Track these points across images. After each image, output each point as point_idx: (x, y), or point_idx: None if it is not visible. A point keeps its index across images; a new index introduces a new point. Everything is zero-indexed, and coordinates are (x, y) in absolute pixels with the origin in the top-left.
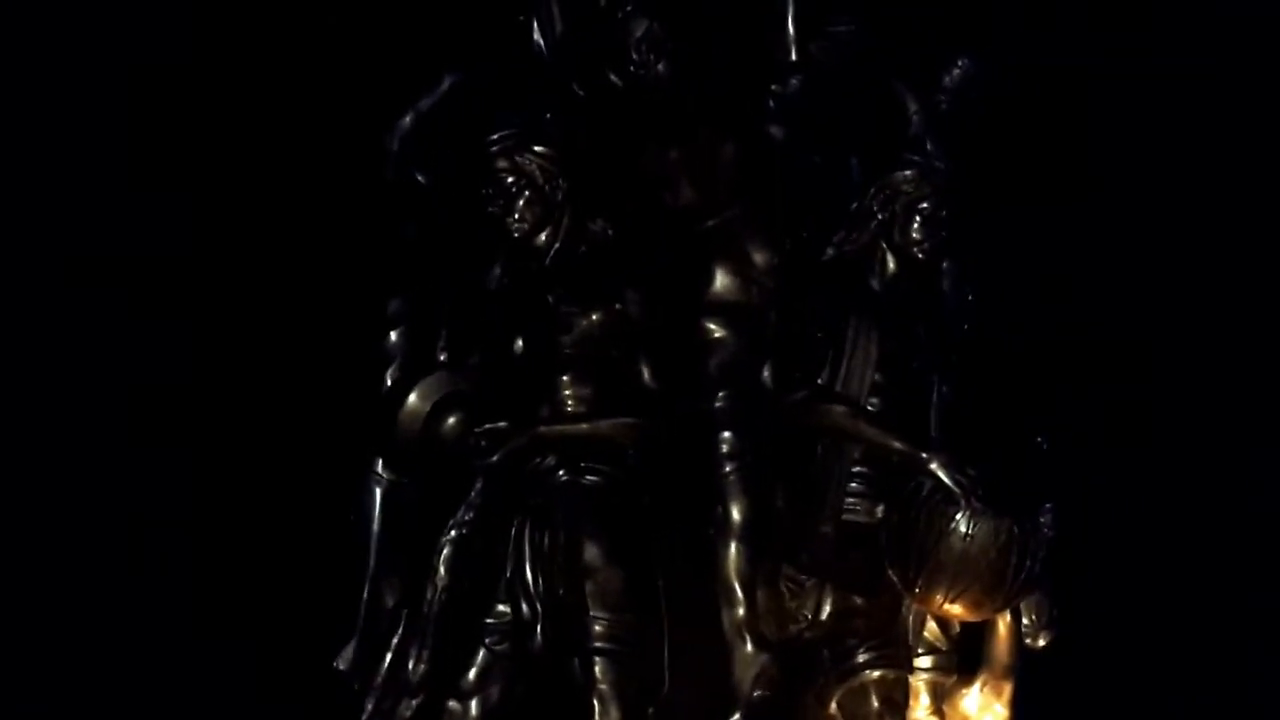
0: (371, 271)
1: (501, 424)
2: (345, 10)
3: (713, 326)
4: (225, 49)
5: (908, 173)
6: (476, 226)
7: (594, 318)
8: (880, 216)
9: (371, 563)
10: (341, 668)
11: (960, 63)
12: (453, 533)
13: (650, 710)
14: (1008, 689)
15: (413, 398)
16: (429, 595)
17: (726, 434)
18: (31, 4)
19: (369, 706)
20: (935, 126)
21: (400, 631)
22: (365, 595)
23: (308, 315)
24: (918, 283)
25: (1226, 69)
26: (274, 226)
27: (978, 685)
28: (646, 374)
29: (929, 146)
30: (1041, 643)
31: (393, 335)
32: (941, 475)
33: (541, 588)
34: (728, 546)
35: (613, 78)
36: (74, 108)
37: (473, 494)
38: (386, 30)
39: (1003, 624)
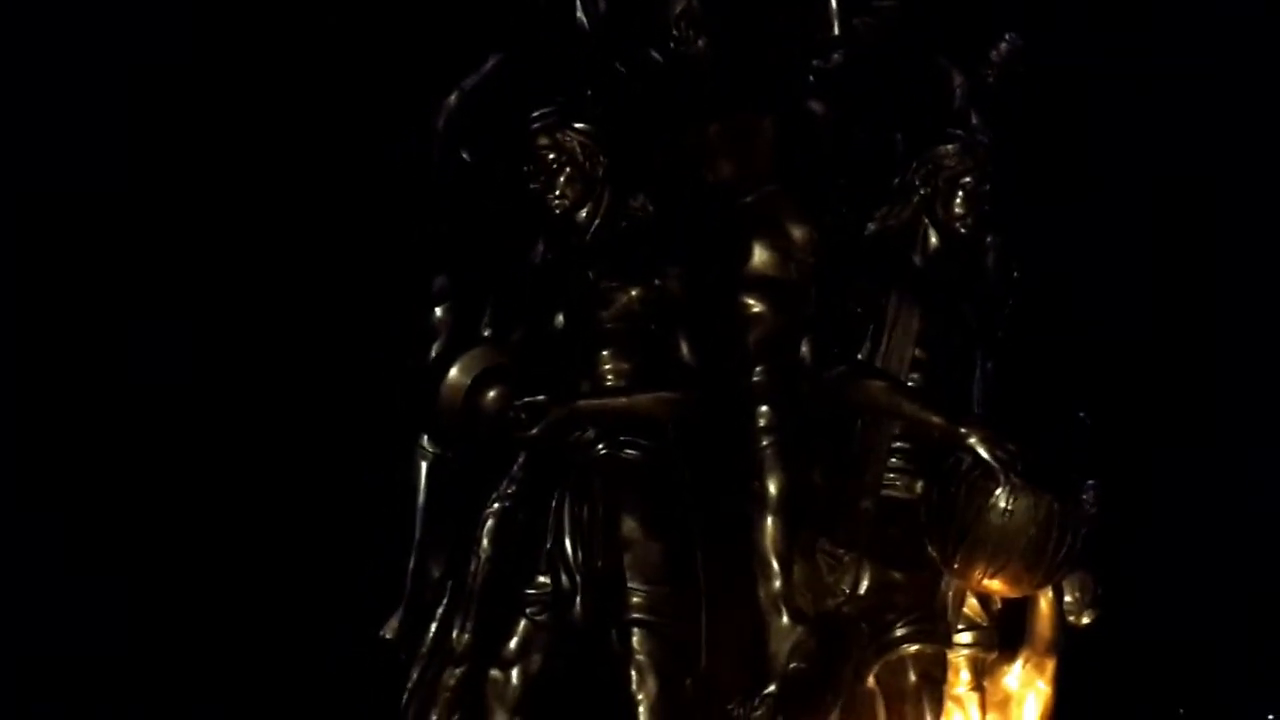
0: (408, 252)
1: (541, 398)
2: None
3: (751, 301)
4: (240, 40)
5: (951, 147)
6: (518, 203)
7: (633, 293)
8: (923, 191)
9: (417, 534)
10: (388, 637)
11: (1008, 37)
12: (495, 505)
13: (687, 681)
14: (1050, 666)
15: (454, 372)
16: (473, 567)
17: (763, 408)
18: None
19: (414, 675)
20: (980, 101)
21: (445, 602)
22: (411, 566)
23: (337, 299)
24: (961, 258)
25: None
26: (306, 211)
27: (1020, 661)
28: (685, 349)
29: (973, 121)
30: (1085, 621)
31: (437, 311)
32: (980, 451)
33: (581, 559)
34: (764, 520)
35: (654, 55)
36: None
37: (515, 467)
38: (420, 11)
39: (1044, 601)
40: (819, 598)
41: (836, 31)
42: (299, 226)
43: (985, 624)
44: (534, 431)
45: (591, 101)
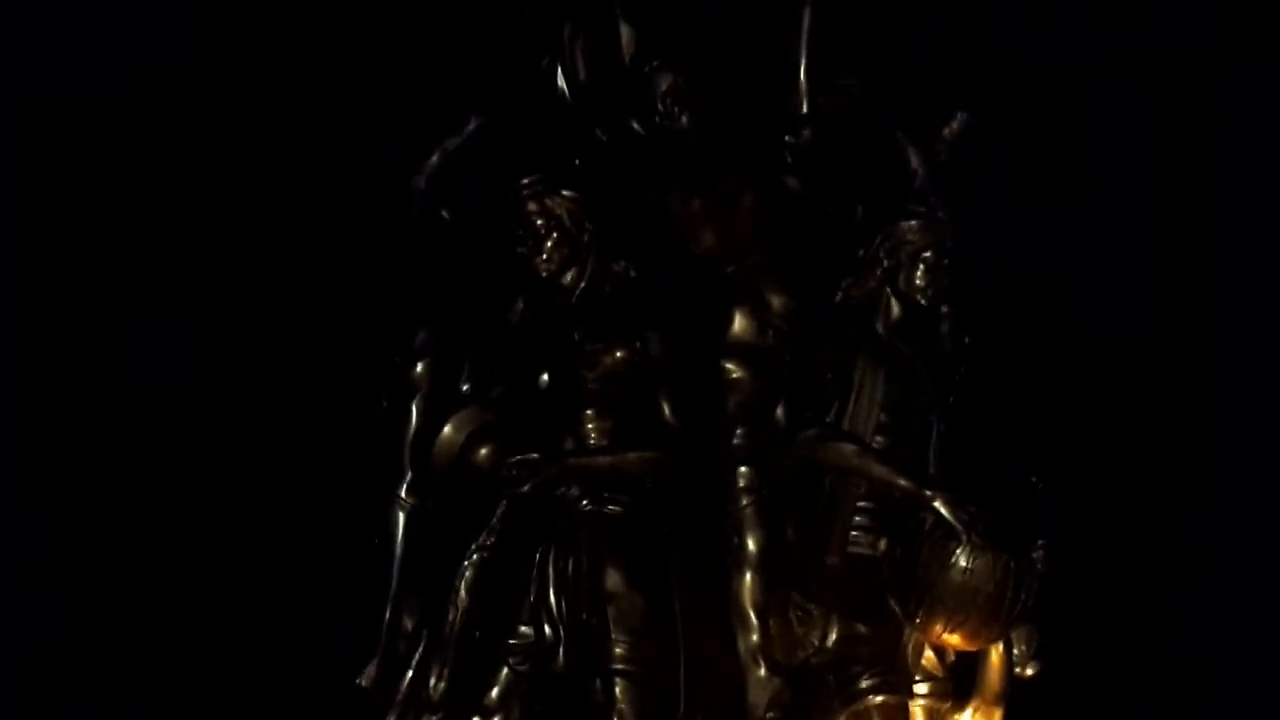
0: (385, 298)
1: (533, 455)
2: (354, 23)
3: (731, 367)
4: (237, 52)
5: (913, 223)
6: (496, 263)
7: (617, 355)
8: (886, 263)
9: (394, 584)
10: (364, 684)
11: (958, 116)
12: (474, 556)
13: None
14: (998, 715)
15: (447, 429)
16: (450, 616)
17: (744, 469)
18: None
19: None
20: (937, 177)
21: (421, 650)
22: (388, 615)
23: (314, 337)
24: (921, 327)
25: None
26: (288, 247)
27: (969, 711)
28: (667, 410)
29: (931, 197)
30: (1030, 671)
31: (418, 366)
32: (944, 512)
33: (565, 611)
34: (743, 575)
35: (635, 126)
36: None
37: (494, 519)
38: (403, 58)
39: (995, 653)
40: (791, 650)
41: (805, 109)
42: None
43: (940, 675)
44: (525, 488)
45: (578, 169)
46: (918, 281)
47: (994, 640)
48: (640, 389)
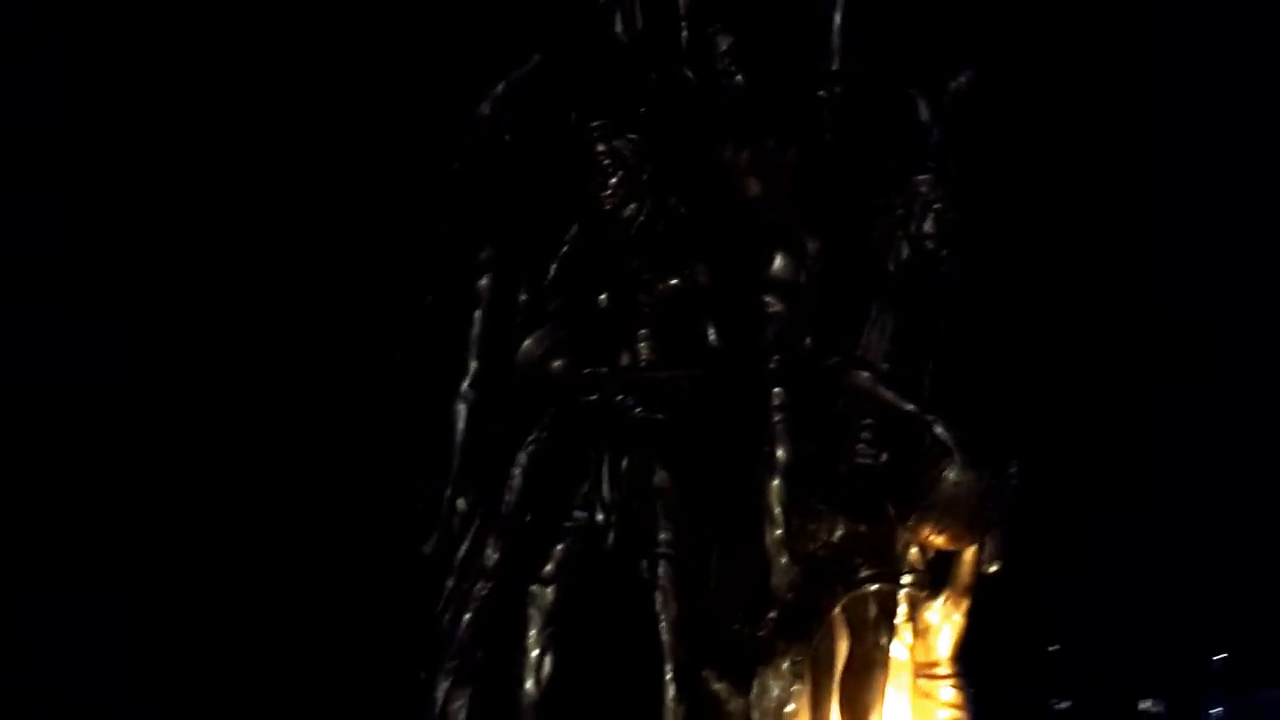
0: (447, 221)
1: (602, 369)
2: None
3: (770, 300)
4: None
5: (926, 176)
6: (554, 188)
7: (670, 282)
8: (900, 211)
9: (455, 467)
10: (427, 551)
11: (965, 73)
12: (530, 447)
13: (697, 604)
14: (965, 604)
15: (528, 342)
16: (506, 497)
17: (778, 389)
18: None
19: (449, 585)
20: (947, 132)
21: (476, 525)
22: (448, 493)
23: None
24: (925, 268)
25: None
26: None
27: (941, 599)
28: (712, 334)
29: (944, 152)
30: (993, 569)
31: (483, 279)
32: (941, 433)
33: (616, 501)
34: (773, 479)
35: (689, 75)
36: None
37: (546, 418)
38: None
39: (968, 553)
40: (804, 543)
41: (836, 65)
42: (334, 205)
43: (921, 569)
44: (594, 396)
45: (642, 115)
46: (927, 229)
47: (971, 543)
48: (688, 314)
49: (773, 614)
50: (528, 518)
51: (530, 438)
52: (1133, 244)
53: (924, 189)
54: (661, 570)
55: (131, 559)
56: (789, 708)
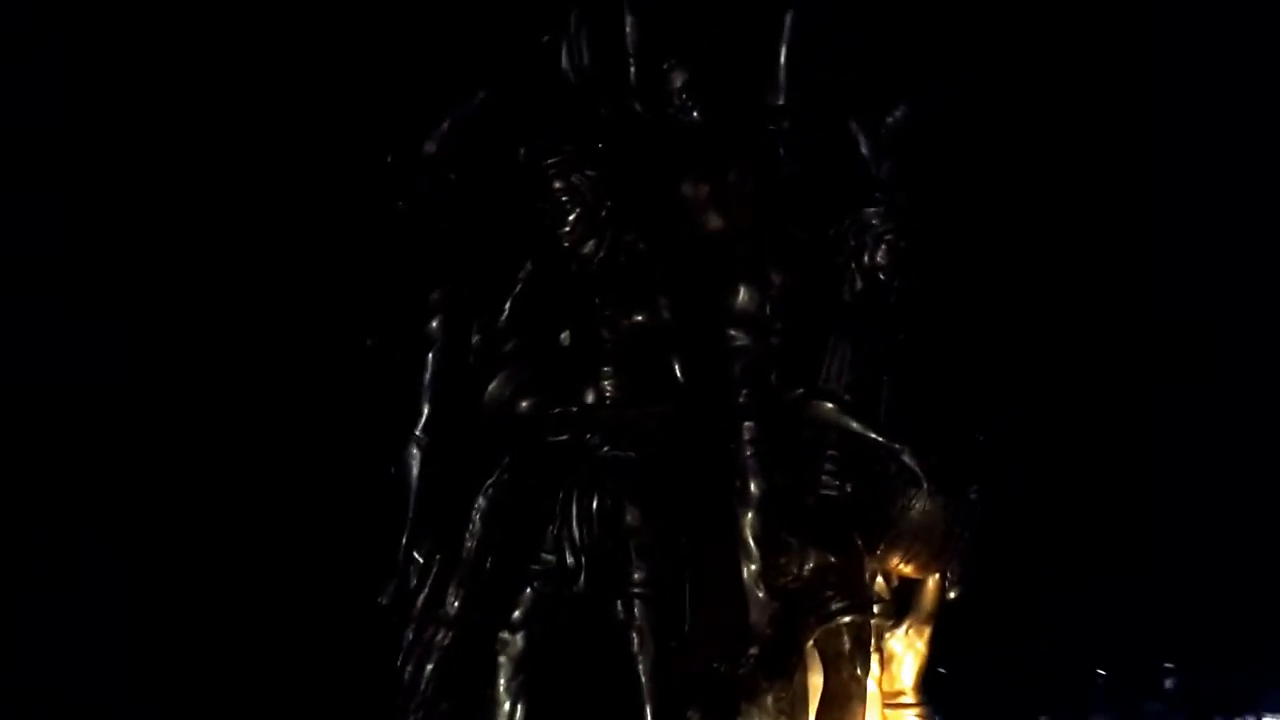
0: (398, 261)
1: (573, 409)
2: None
3: (735, 334)
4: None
5: (876, 209)
6: (504, 225)
7: (633, 319)
8: (852, 243)
9: (411, 512)
10: (384, 602)
11: (900, 106)
12: (489, 490)
13: (673, 644)
14: (928, 632)
15: (494, 384)
16: (466, 542)
17: (748, 423)
18: None
19: (409, 636)
20: (893, 162)
21: (435, 572)
22: (405, 540)
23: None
24: (878, 298)
25: None
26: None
27: (904, 628)
28: (678, 369)
29: (894, 183)
30: (953, 595)
31: (433, 321)
32: (909, 462)
33: (587, 542)
34: (747, 514)
35: (639, 110)
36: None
37: (505, 459)
38: (411, 43)
39: (932, 580)
40: (775, 577)
41: (783, 100)
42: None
43: (887, 597)
44: (564, 435)
45: (600, 151)
46: (880, 260)
47: (938, 570)
48: (653, 350)
49: (753, 650)
50: (489, 563)
51: (489, 480)
52: (1126, 253)
53: (874, 220)
54: (637, 610)
55: (132, 560)
56: None
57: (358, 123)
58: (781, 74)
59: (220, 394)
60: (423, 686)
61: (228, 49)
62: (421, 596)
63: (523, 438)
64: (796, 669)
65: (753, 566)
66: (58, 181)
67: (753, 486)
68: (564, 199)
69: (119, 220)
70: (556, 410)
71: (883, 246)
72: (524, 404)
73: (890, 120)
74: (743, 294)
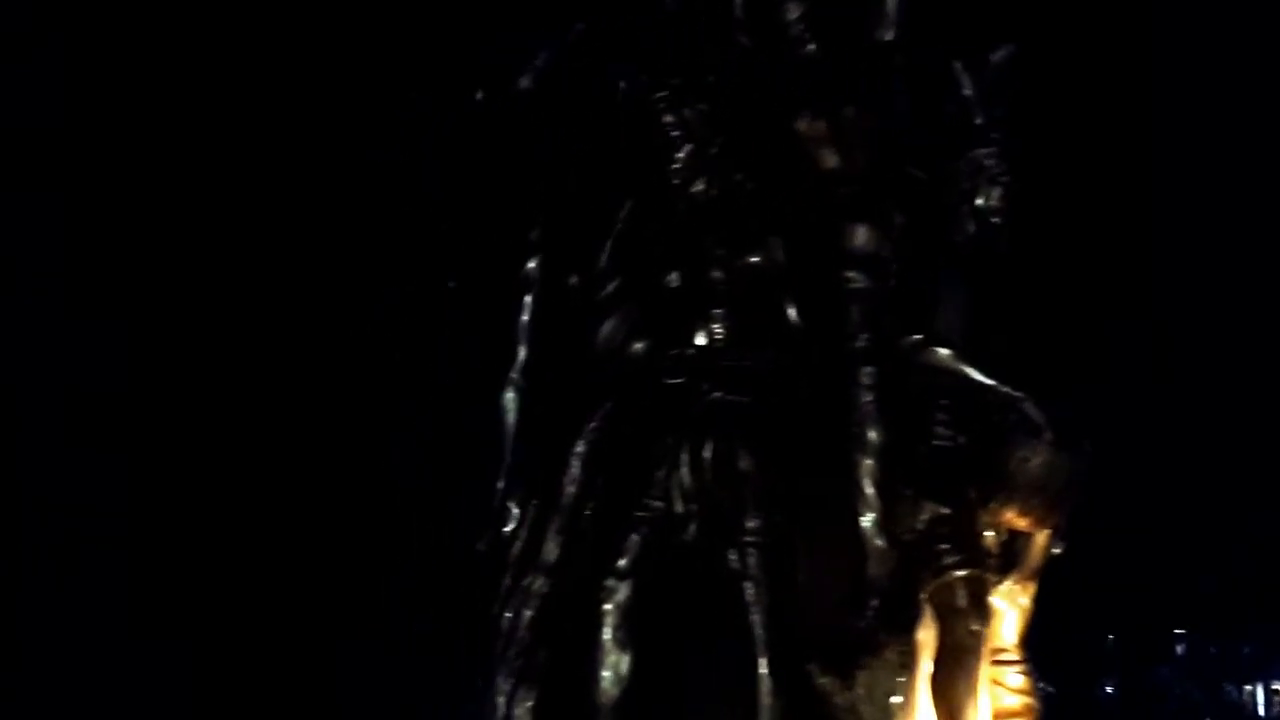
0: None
1: (689, 351)
2: None
3: (854, 275)
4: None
5: (990, 149)
6: (601, 164)
7: (746, 260)
8: (965, 186)
9: (507, 458)
10: (481, 549)
11: (1003, 50)
12: (589, 435)
13: (790, 595)
14: (1032, 588)
15: (607, 326)
16: (566, 488)
17: (868, 368)
18: None
19: (506, 582)
20: (999, 104)
21: (531, 518)
22: (502, 486)
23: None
24: (991, 242)
25: None
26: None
27: (1008, 583)
28: (792, 313)
29: (1005, 126)
30: (1056, 550)
31: (531, 262)
32: (1031, 413)
33: (697, 488)
34: (866, 462)
35: (745, 44)
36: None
37: (607, 404)
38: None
39: (1041, 535)
40: (893, 528)
41: (893, 35)
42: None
43: (995, 551)
44: (680, 379)
45: (712, 83)
46: (993, 203)
47: (1051, 524)
48: (765, 292)
49: (874, 603)
50: (588, 509)
51: (591, 425)
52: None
53: (989, 162)
54: (751, 560)
55: (134, 562)
56: (896, 699)
57: (438, 63)
58: (891, 7)
59: (285, 343)
60: (520, 634)
61: (239, 39)
62: (519, 544)
63: (634, 381)
64: (917, 623)
65: (872, 515)
66: (58, 181)
67: (872, 434)
68: (675, 134)
69: (119, 220)
70: (674, 353)
71: (997, 189)
72: (637, 346)
73: (998, 60)
74: (862, 234)
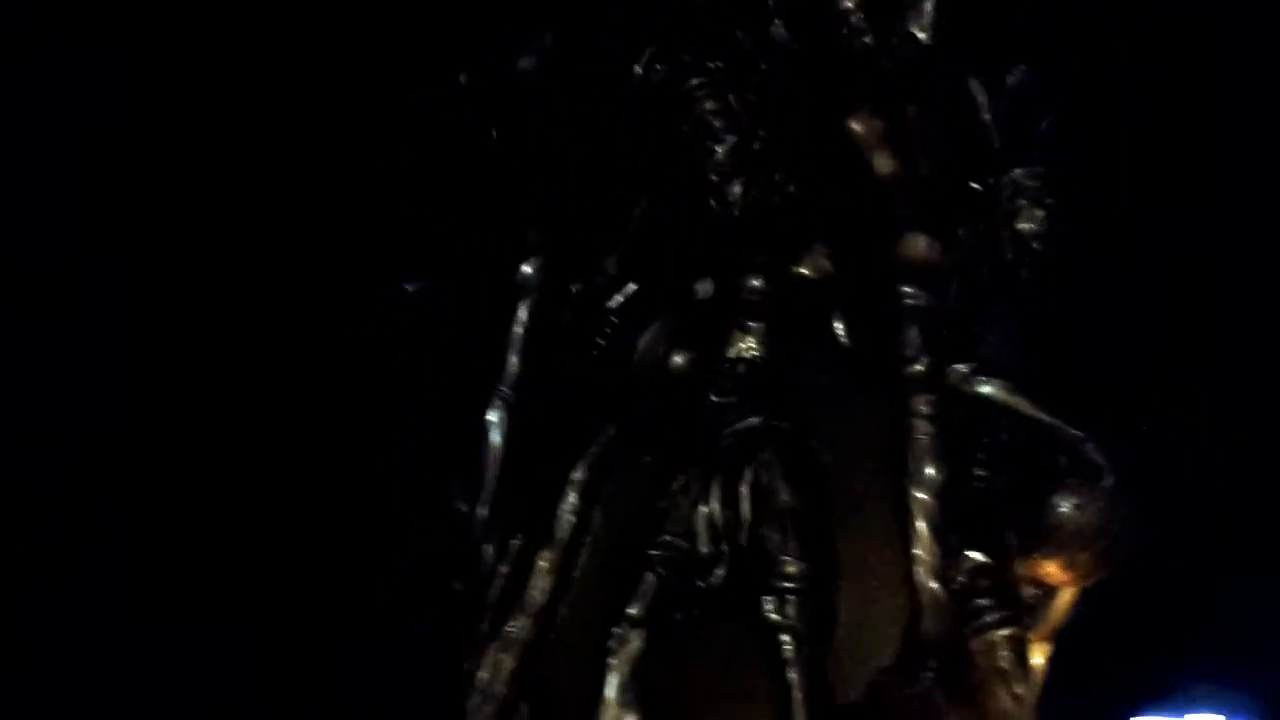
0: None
1: (740, 366)
2: None
3: (912, 291)
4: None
5: (1033, 169)
6: (613, 156)
7: (789, 269)
8: (1008, 206)
9: (491, 484)
10: (459, 588)
11: (1018, 68)
12: (592, 460)
13: (829, 646)
14: (1049, 649)
15: (646, 337)
16: (560, 519)
17: (927, 396)
18: None
19: (484, 626)
20: (1056, 119)
21: (518, 552)
22: (484, 515)
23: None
24: (1033, 267)
25: None
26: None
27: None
28: (841, 329)
29: (1052, 144)
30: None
31: (527, 267)
32: (1089, 455)
33: (730, 526)
34: (923, 497)
35: (783, 32)
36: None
37: (609, 427)
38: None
39: (1069, 591)
40: (946, 575)
41: (930, 39)
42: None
43: (1031, 607)
44: (732, 397)
45: (758, 73)
46: (1035, 227)
47: (1097, 578)
48: (810, 305)
49: (932, 663)
50: (587, 545)
51: (594, 448)
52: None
53: (1032, 183)
54: (791, 609)
55: (132, 560)
56: None
57: (436, 50)
58: (929, 10)
59: (268, 349)
60: (496, 688)
61: (243, 39)
62: (498, 580)
63: (671, 397)
64: (978, 687)
65: (927, 560)
66: (62, 180)
67: (930, 469)
68: (717, 124)
69: (119, 220)
70: (723, 367)
71: (1042, 211)
72: (678, 360)
73: (1011, 80)
74: (921, 246)
